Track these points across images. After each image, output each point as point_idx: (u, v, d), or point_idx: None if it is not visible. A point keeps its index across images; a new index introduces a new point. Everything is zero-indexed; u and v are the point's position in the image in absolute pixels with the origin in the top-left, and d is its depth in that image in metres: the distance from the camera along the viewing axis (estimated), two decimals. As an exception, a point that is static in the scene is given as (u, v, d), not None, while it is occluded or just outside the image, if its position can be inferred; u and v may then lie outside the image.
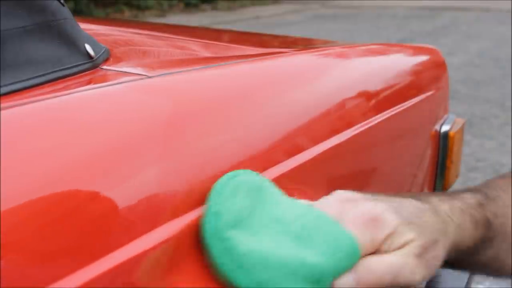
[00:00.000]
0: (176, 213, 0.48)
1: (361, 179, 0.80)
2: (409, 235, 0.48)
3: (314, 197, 0.55)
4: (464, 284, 1.05)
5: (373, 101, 0.82)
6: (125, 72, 0.62)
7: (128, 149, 0.47)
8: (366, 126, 0.77)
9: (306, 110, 0.68)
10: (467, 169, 2.71)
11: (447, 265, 0.54)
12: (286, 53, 0.84)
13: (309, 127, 0.67)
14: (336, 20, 8.99)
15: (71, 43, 0.60)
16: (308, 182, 0.64)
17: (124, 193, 0.44)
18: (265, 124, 0.61)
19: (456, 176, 1.13)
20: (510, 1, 10.35)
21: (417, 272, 0.48)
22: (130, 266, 0.43)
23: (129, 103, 0.53)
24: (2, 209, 0.36)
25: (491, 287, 1.73)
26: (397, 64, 0.99)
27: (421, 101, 0.96)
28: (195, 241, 0.48)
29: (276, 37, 1.29)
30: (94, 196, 0.42)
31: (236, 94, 0.63)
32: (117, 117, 0.50)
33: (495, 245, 0.59)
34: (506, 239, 0.60)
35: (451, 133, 1.05)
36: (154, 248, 0.45)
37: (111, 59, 0.67)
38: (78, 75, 0.59)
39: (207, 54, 0.86)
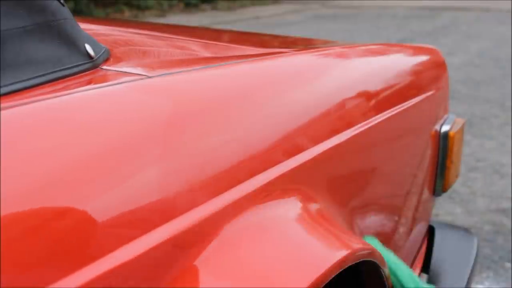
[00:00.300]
0: (176, 213, 0.48)
1: (361, 179, 0.80)
2: None
3: (314, 197, 0.55)
4: (464, 284, 1.05)
5: (373, 101, 0.82)
6: (125, 72, 0.62)
7: (128, 149, 0.47)
8: (366, 126, 0.77)
9: (306, 110, 0.68)
10: (467, 169, 2.71)
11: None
12: (286, 53, 0.84)
13: (309, 127, 0.67)
14: (336, 20, 8.98)
15: (71, 43, 0.60)
16: (308, 182, 0.64)
17: (124, 193, 0.44)
18: (265, 124, 0.61)
19: (456, 176, 1.13)
20: (510, 1, 10.34)
21: None
22: (130, 266, 0.43)
23: (129, 103, 0.53)
24: (2, 209, 0.36)
25: (491, 287, 1.73)
26: (397, 64, 0.99)
27: (421, 101, 0.96)
28: (195, 241, 0.48)
29: (276, 37, 1.28)
30: (94, 196, 0.42)
31: (236, 94, 0.63)
32: (117, 117, 0.50)
33: None
34: None
35: (451, 133, 1.05)
36: (154, 248, 0.45)
37: (111, 59, 0.67)
38: (78, 75, 0.59)
39: (207, 54, 0.86)
